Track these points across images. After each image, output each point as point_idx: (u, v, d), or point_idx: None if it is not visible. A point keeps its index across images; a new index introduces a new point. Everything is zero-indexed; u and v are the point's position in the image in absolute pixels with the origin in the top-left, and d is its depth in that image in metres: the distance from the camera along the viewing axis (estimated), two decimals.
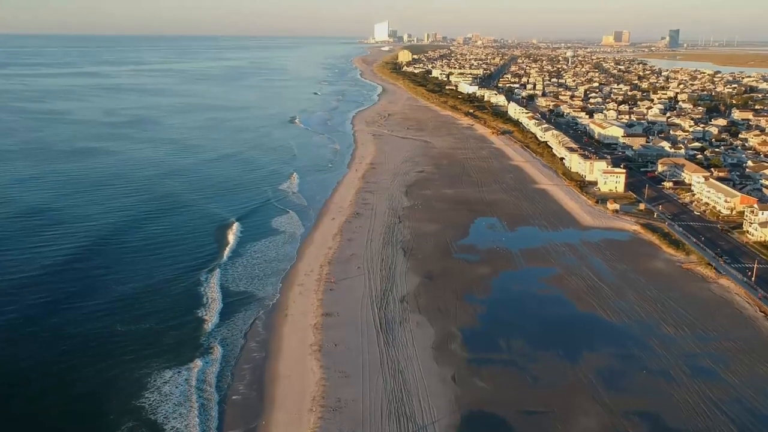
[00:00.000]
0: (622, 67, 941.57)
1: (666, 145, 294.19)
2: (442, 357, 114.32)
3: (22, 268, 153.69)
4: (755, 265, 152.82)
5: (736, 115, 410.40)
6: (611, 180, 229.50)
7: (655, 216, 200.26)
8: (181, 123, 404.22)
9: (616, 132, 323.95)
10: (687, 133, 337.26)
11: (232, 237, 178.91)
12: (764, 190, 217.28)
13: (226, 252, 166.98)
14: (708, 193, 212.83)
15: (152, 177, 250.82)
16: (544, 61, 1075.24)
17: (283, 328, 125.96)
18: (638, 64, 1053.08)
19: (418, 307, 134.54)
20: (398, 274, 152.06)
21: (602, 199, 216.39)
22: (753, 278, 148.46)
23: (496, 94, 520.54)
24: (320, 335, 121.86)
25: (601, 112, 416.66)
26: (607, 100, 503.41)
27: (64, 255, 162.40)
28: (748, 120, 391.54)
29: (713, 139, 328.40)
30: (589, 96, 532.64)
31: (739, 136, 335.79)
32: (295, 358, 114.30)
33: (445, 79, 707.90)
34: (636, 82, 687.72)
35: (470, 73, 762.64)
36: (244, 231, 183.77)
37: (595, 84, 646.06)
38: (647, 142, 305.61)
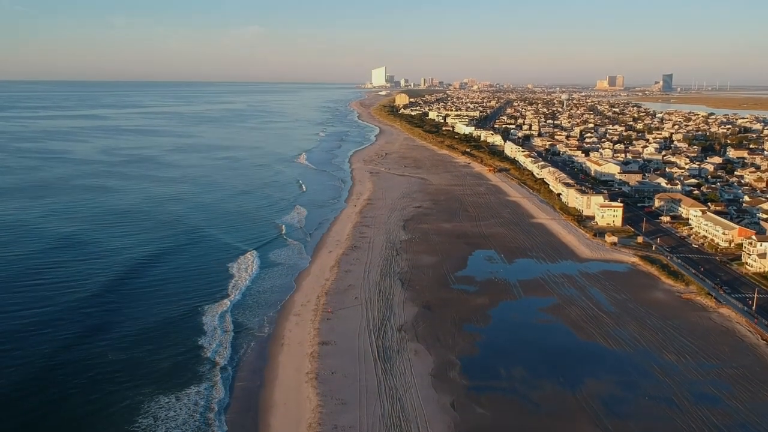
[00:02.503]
0: (616, 110, 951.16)
1: (662, 181, 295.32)
2: (441, 384, 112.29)
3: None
4: (755, 295, 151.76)
5: (731, 153, 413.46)
6: (608, 214, 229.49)
7: (653, 249, 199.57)
8: (185, 162, 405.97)
9: (612, 169, 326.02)
10: (683, 170, 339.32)
11: (233, 270, 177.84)
12: (762, 223, 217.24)
13: (228, 285, 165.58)
14: (706, 226, 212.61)
15: (162, 213, 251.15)
16: (540, 104, 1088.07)
17: (279, 357, 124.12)
18: (633, 106, 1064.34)
19: (417, 335, 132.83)
20: (396, 304, 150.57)
21: (600, 233, 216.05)
22: (754, 307, 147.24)
23: (492, 134, 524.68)
24: (317, 363, 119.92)
25: (597, 151, 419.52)
26: (603, 139, 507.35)
27: (71, 295, 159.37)
28: (744, 158, 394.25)
29: (709, 176, 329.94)
30: (585, 136, 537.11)
31: (735, 173, 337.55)
32: (291, 386, 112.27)
33: (442, 120, 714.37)
34: (631, 123, 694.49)
35: (467, 115, 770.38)
36: (245, 264, 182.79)
37: (591, 125, 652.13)
38: (643, 178, 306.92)
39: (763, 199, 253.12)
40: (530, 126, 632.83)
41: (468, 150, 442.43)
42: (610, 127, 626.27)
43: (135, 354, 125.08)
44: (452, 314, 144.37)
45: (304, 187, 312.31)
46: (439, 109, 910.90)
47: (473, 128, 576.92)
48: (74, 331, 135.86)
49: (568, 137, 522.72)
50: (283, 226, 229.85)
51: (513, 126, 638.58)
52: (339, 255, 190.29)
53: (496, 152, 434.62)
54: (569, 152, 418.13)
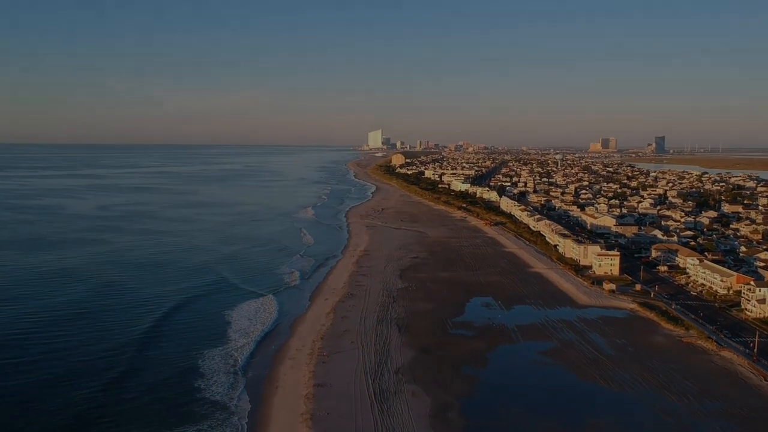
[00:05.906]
0: (610, 169, 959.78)
1: (658, 233, 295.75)
2: (439, 424, 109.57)
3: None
4: (756, 339, 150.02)
5: (726, 208, 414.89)
6: (606, 262, 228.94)
7: (652, 296, 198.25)
8: (188, 217, 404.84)
9: (608, 222, 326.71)
10: (678, 223, 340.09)
11: (231, 317, 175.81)
12: (759, 270, 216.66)
13: (226, 331, 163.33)
14: (704, 273, 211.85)
15: (165, 264, 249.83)
16: (534, 164, 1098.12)
17: (273, 399, 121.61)
18: (627, 166, 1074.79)
19: (414, 378, 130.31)
20: (393, 348, 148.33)
21: (598, 281, 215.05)
22: (755, 350, 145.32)
23: (488, 191, 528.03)
24: (312, 404, 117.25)
25: (593, 206, 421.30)
26: (598, 196, 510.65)
27: (85, 348, 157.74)
28: (738, 212, 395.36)
29: (705, 229, 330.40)
30: (580, 193, 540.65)
31: (731, 226, 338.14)
32: (285, 427, 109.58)
33: (438, 179, 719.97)
34: (625, 181, 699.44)
35: (462, 174, 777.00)
36: (243, 312, 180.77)
37: (585, 183, 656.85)
38: (639, 231, 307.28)
39: (760, 249, 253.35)
40: (525, 183, 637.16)
41: (464, 205, 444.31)
42: (605, 184, 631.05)
43: (128, 396, 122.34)
44: (450, 357, 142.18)
45: (308, 240, 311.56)
46: (435, 168, 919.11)
47: (469, 185, 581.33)
48: (85, 382, 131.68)
49: (563, 194, 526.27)
50: (290, 274, 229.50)
51: (508, 183, 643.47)
52: (335, 302, 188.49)
53: (492, 207, 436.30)
54: (565, 207, 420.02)
